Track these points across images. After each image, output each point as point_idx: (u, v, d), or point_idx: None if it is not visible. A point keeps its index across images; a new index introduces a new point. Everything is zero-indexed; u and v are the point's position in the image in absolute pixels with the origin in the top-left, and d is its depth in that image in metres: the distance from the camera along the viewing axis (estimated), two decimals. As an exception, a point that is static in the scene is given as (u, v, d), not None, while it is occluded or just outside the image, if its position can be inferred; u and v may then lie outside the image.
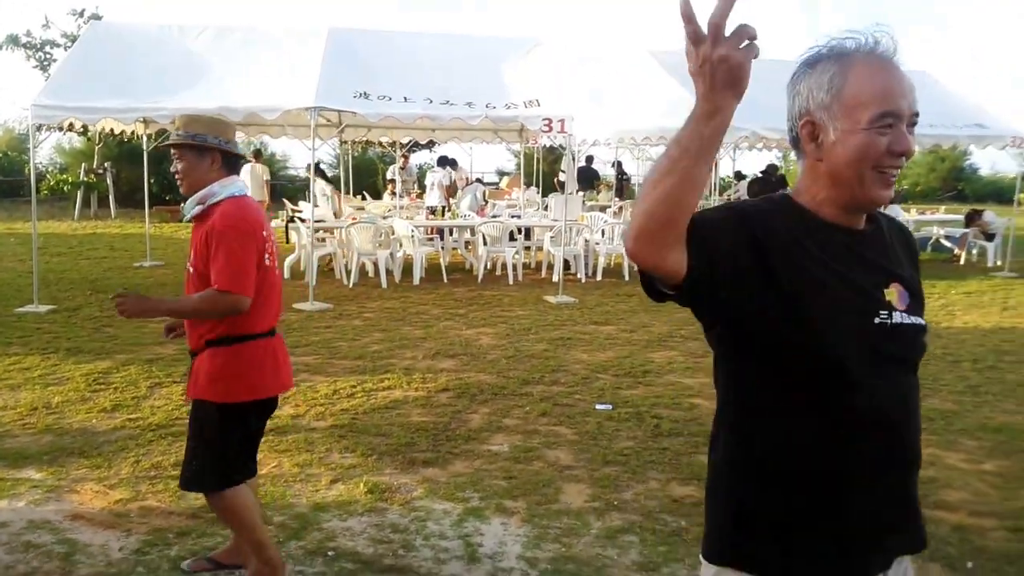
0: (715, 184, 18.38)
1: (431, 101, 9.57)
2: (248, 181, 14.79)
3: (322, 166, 27.74)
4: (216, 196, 2.94)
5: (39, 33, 24.34)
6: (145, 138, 12.82)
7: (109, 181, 21.53)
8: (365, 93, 9.40)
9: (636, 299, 9.84)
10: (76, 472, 4.30)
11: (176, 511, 3.87)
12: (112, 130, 14.41)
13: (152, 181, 24.07)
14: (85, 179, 21.19)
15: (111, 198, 21.54)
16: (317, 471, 4.41)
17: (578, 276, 11.59)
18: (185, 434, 4.72)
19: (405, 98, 9.54)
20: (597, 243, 12.12)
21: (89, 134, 22.25)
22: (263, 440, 4.84)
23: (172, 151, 3.01)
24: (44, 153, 27.52)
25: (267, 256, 3.00)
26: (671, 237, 1.29)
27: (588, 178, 17.75)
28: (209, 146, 2.95)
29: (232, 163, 3.06)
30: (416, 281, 11.04)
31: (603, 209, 15.47)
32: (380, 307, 9.35)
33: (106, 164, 21.66)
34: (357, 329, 8.11)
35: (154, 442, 4.76)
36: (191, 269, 2.99)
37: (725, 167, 19.65)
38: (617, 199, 18.03)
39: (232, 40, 10.63)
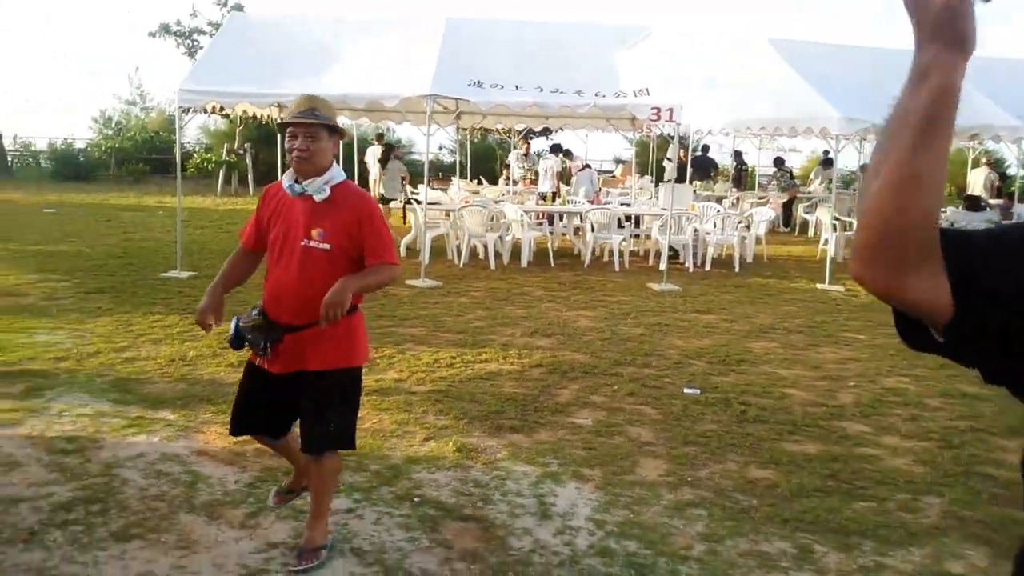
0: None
1: (541, 89, 9.80)
2: (370, 162, 15.52)
3: (442, 152, 28.50)
4: (338, 178, 3.05)
5: (187, 22, 26.26)
6: (279, 121, 13.70)
7: (248, 161, 23.02)
8: (479, 82, 9.74)
9: (743, 291, 9.79)
10: (204, 416, 4.84)
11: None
12: (252, 113, 15.52)
13: (286, 162, 25.70)
14: (227, 158, 22.74)
15: (250, 176, 23.03)
16: (412, 429, 4.78)
17: (685, 265, 11.59)
18: None
19: (516, 86, 9.81)
20: (708, 233, 12.06)
21: (231, 116, 23.91)
22: (367, 398, 5.29)
23: (292, 129, 2.98)
24: (191, 134, 29.65)
25: None
26: (905, 253, 0.96)
27: (704, 167, 17.50)
28: (339, 129, 3.09)
29: (337, 152, 3.16)
30: (523, 264, 11.36)
31: (719, 200, 15.28)
32: (486, 287, 9.72)
33: (246, 145, 23.15)
34: (462, 306, 8.50)
35: (271, 395, 5.27)
36: (325, 246, 2.97)
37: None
38: (735, 189, 17.74)
39: (355, 29, 11.20)
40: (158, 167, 27.17)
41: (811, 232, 16.30)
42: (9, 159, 27.20)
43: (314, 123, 2.98)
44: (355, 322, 3.14)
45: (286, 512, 3.64)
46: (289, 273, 3.02)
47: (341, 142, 3.18)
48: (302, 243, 3.00)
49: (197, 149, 27.37)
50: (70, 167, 25.69)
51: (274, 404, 3.16)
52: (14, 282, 8.80)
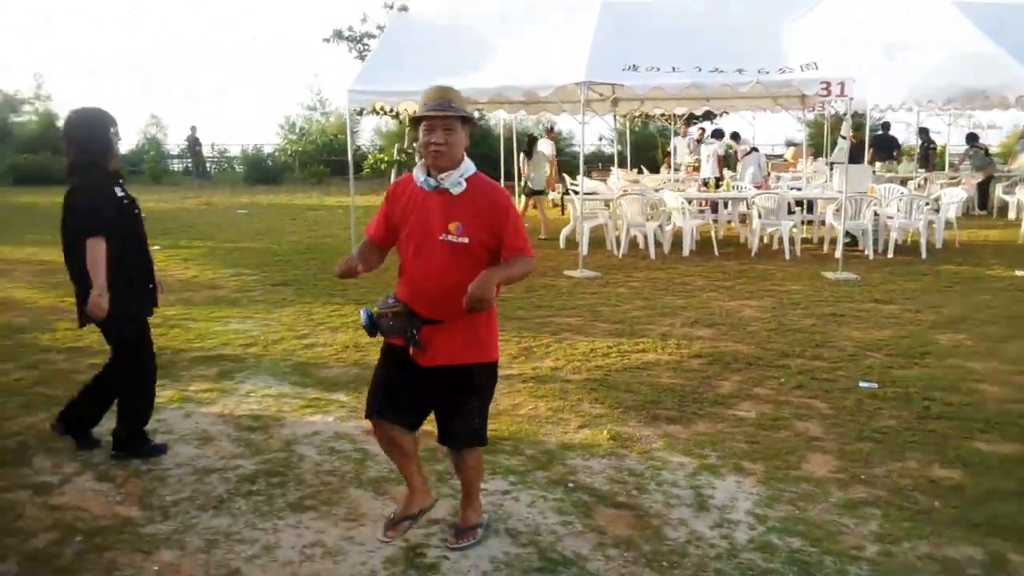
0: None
1: (700, 69, 9.44)
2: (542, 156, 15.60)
3: (602, 142, 28.32)
4: (471, 170, 3.01)
5: (358, 27, 27.69)
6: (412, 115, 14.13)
7: (417, 159, 24.00)
8: (634, 65, 9.54)
9: (930, 279, 9.03)
10: (372, 399, 5.11)
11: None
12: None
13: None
14: (397, 158, 23.85)
15: (417, 175, 24.00)
16: (567, 416, 4.81)
17: (865, 252, 10.85)
18: None
19: (673, 68, 9.51)
20: (890, 217, 11.22)
21: (400, 117, 25.03)
22: (523, 385, 5.37)
23: (428, 122, 2.92)
24: (365, 136, 31.39)
25: None
26: None
27: (885, 147, 16.28)
28: (472, 120, 3.03)
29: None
30: (685, 253, 11.09)
31: (904, 182, 14.16)
32: (646, 277, 9.58)
33: (414, 144, 24.13)
34: (620, 296, 8.43)
35: (434, 381, 5.48)
36: (463, 239, 2.93)
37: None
38: (922, 170, 16.39)
39: (513, 21, 11.27)
40: (337, 168, 28.92)
41: (1011, 215, 14.80)
42: (208, 165, 29.92)
43: (450, 115, 2.92)
44: (492, 316, 3.14)
45: (446, 490, 3.77)
46: (428, 268, 2.99)
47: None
48: (440, 237, 2.95)
49: (371, 150, 28.91)
50: (260, 171, 27.94)
51: (415, 397, 3.14)
52: (211, 276, 9.69)
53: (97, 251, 3.80)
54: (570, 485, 3.85)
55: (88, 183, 3.94)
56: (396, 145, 24.82)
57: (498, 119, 21.44)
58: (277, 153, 29.96)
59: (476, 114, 25.20)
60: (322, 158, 28.40)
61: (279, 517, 3.52)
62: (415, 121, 2.99)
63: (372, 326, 3.07)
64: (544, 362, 5.96)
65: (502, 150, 18.01)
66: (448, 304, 2.95)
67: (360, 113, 27.10)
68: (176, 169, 30.05)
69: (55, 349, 6.31)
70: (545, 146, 15.78)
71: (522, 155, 14.03)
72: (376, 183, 24.93)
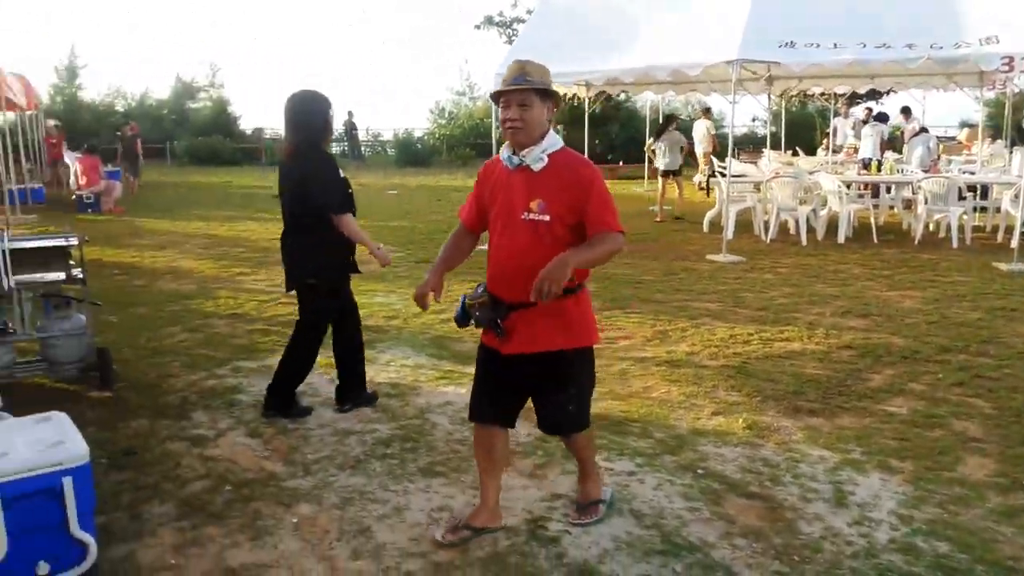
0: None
1: (864, 45, 8.82)
2: (696, 136, 15.25)
3: (755, 123, 27.21)
4: (555, 146, 2.87)
5: (509, 12, 27.94)
6: (586, 100, 14.06)
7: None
8: (791, 42, 9.03)
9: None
10: (504, 374, 5.18)
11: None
12: (564, 95, 16.16)
13: (597, 142, 26.43)
14: (541, 140, 23.95)
15: (561, 157, 24.03)
16: (701, 402, 4.67)
17: (1045, 243, 9.85)
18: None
19: (835, 44, 8.93)
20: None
21: (546, 100, 25.05)
22: (656, 368, 5.27)
23: (504, 98, 2.83)
24: (509, 120, 31.66)
25: None
26: None
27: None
28: (553, 93, 2.87)
29: (552, 117, 2.93)
30: (840, 239, 10.48)
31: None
32: (794, 263, 9.14)
33: (557, 127, 24.16)
34: (766, 282, 8.09)
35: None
36: (544, 217, 2.82)
37: None
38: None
39: (662, -1, 10.97)
40: (482, 151, 29.40)
41: None
42: (363, 148, 31.27)
43: (524, 88, 2.79)
44: (583, 299, 2.98)
45: (571, 467, 3.76)
46: (511, 248, 2.88)
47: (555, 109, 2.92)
48: (522, 216, 2.85)
49: (517, 133, 29.17)
50: (410, 154, 28.93)
51: (505, 388, 3.04)
52: (361, 251, 10.11)
53: (351, 223, 4.21)
54: (699, 471, 3.75)
55: (319, 164, 4.19)
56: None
57: (645, 100, 21.08)
58: (426, 137, 30.87)
59: (623, 95, 25.17)
60: (468, 141, 29.00)
61: (410, 480, 3.64)
62: (495, 98, 2.90)
63: (464, 317, 3.02)
64: (679, 346, 5.82)
65: (647, 132, 17.71)
66: (531, 286, 2.79)
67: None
68: (334, 152, 31.57)
69: (216, 315, 6.82)
70: (701, 126, 15.35)
71: (653, 136, 13.72)
72: (521, 166, 25.17)
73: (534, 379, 3.00)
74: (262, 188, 19.35)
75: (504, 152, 2.93)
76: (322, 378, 5.11)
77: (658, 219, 12.88)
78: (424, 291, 3.09)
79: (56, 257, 4.74)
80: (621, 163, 24.56)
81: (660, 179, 13.13)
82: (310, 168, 4.15)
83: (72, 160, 16.09)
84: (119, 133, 17.15)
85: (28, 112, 18.07)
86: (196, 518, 3.28)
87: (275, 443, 4.08)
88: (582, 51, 10.51)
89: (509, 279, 2.89)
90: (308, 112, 4.20)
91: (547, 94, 2.84)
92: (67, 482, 2.74)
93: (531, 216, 2.84)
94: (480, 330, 3.06)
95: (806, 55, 9.09)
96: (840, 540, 3.16)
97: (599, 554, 3.04)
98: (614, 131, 26.47)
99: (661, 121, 13.65)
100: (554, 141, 2.87)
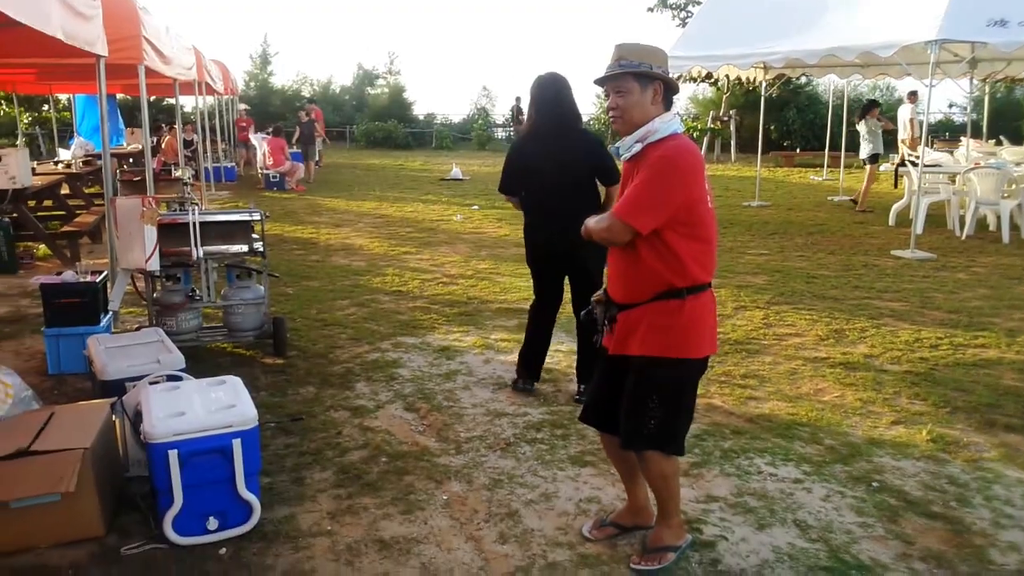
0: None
1: (1098, 20, 7.76)
2: (900, 124, 14.18)
3: (952, 110, 25.00)
4: (658, 133, 2.59)
5: (684, -7, 27.09)
6: (763, 84, 13.36)
7: (732, 128, 23.10)
8: (1002, 20, 8.07)
9: None
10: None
11: (736, 413, 4.23)
12: (739, 78, 15.45)
13: (772, 127, 25.22)
14: (712, 126, 23.14)
15: (732, 143, 23.13)
16: (879, 409, 4.29)
17: None
18: (755, 354, 5.00)
19: (1060, 20, 7.92)
20: None
21: (719, 84, 24.20)
22: (830, 370, 4.90)
23: (608, 88, 2.66)
24: (681, 104, 30.94)
25: (709, 198, 2.65)
26: None
27: None
28: (654, 75, 2.60)
29: (670, 97, 2.67)
30: (1050, 238, 9.37)
31: None
32: (994, 263, 8.24)
33: (731, 112, 23.24)
34: (959, 282, 7.35)
35: (729, 354, 5.20)
36: None
37: None
38: None
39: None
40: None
41: None
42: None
43: (618, 74, 2.59)
44: (693, 306, 2.62)
45: (730, 468, 3.56)
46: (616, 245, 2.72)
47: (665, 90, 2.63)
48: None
49: (685, 118, 28.43)
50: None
51: (608, 391, 2.83)
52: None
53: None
54: (874, 485, 3.43)
55: (592, 137, 4.34)
56: (712, 113, 24.08)
57: (828, 84, 19.82)
58: (591, 121, 30.68)
59: (804, 79, 23.79)
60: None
61: (559, 468, 3.58)
62: (601, 85, 2.70)
63: (588, 315, 2.90)
64: (857, 347, 5.39)
65: (830, 117, 16.62)
66: (632, 287, 2.67)
67: (678, 79, 26.76)
68: (499, 137, 32.09)
69: (382, 291, 7.06)
70: (905, 111, 14.23)
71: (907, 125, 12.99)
72: (688, 152, 24.49)
73: (627, 384, 2.73)
74: (429, 171, 19.99)
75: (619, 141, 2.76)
76: (477, 358, 5.15)
77: (859, 209, 12.14)
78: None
79: (240, 231, 5.05)
80: (798, 150, 23.30)
81: (868, 167, 12.40)
82: (595, 142, 4.28)
83: (259, 142, 17.28)
84: (298, 117, 18.21)
85: (225, 97, 19.62)
86: (353, 486, 3.37)
87: (430, 419, 4.15)
88: (760, 31, 9.98)
89: (615, 279, 2.76)
90: (567, 92, 4.27)
91: (650, 77, 2.60)
92: (236, 443, 2.89)
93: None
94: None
95: (1019, 34, 8.12)
96: (1042, 578, 2.77)
97: (757, 564, 2.83)
98: (791, 116, 25.11)
99: (861, 108, 12.82)
100: (658, 128, 2.59)
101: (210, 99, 18.87)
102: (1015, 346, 5.36)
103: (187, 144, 15.38)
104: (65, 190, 10.83)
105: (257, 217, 5.06)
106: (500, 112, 34.16)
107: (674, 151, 2.57)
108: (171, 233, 4.85)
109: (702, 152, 23.36)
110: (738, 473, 3.52)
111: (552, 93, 4.25)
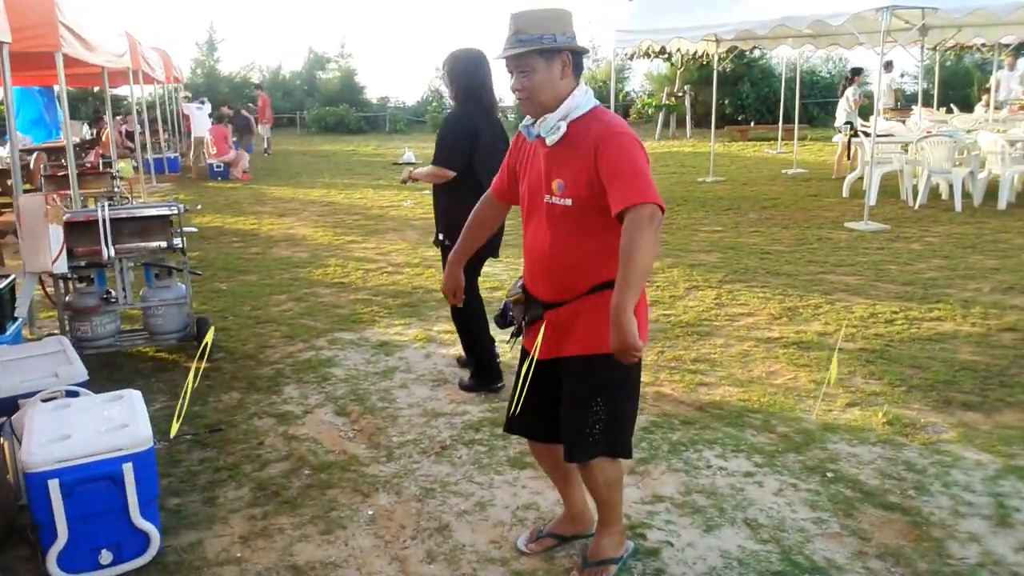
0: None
1: (1041, -19, 7.67)
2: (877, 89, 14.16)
3: (904, 79, 25.15)
4: (580, 108, 2.31)
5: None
6: (716, 57, 13.17)
7: (687, 103, 22.98)
8: (952, -18, 7.99)
9: None
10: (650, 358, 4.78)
11: (686, 401, 4.03)
12: (693, 53, 15.22)
13: (726, 102, 25.14)
14: (666, 102, 22.99)
15: (687, 118, 23.01)
16: (834, 391, 4.12)
17: None
18: (706, 337, 4.79)
19: (1003, -20, 7.82)
20: None
21: (672, 58, 24.03)
22: (783, 351, 4.73)
23: (509, 65, 2.35)
24: (636, 80, 30.87)
25: None
26: None
27: None
28: (559, 48, 2.29)
29: (580, 63, 2.36)
30: (1001, 206, 9.34)
31: None
32: (947, 232, 8.17)
33: (685, 87, 23.10)
34: (913, 253, 7.25)
35: (680, 338, 5.01)
36: (566, 201, 2.31)
37: None
38: None
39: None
40: (605, 115, 28.74)
41: None
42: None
43: (522, 52, 2.27)
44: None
45: (679, 463, 3.35)
46: (537, 237, 2.40)
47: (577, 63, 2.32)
48: (545, 199, 2.37)
49: (640, 95, 28.25)
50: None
51: (539, 399, 2.52)
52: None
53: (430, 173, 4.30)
54: (828, 475, 3.24)
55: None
56: (666, 89, 23.93)
57: (780, 57, 19.74)
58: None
59: (757, 52, 23.73)
60: (591, 105, 28.25)
61: (497, 472, 3.34)
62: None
63: (502, 315, 2.59)
64: (811, 325, 5.22)
65: (783, 90, 16.53)
66: (564, 282, 2.37)
67: (631, 57, 26.54)
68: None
69: (323, 284, 6.75)
70: (885, 79, 14.18)
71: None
72: (641, 128, 24.38)
73: (565, 390, 2.47)
74: (381, 156, 19.56)
75: (524, 121, 2.44)
76: (418, 352, 4.89)
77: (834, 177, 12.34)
78: (450, 287, 2.78)
79: (157, 227, 4.70)
80: (752, 124, 23.26)
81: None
82: None
83: (204, 131, 16.72)
84: (226, 108, 17.47)
85: (169, 85, 18.94)
86: (269, 505, 3.10)
87: (362, 423, 3.87)
88: (710, 3, 9.78)
89: (540, 274, 2.44)
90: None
91: (555, 51, 2.28)
92: (127, 468, 2.59)
93: (553, 200, 2.34)
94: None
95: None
96: (1003, 569, 2.61)
97: (704, 573, 2.62)
98: (745, 90, 25.05)
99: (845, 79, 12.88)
100: (578, 104, 2.30)
101: (154, 88, 18.22)
102: (970, 318, 5.24)
103: (129, 136, 14.77)
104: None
105: (175, 211, 4.71)
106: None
107: (620, 125, 2.30)
108: (82, 232, 4.50)
109: (657, 129, 23.27)
110: (686, 468, 3.31)
111: (488, 68, 4.04)
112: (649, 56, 23.22)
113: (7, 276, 4.70)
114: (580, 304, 2.37)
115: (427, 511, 3.03)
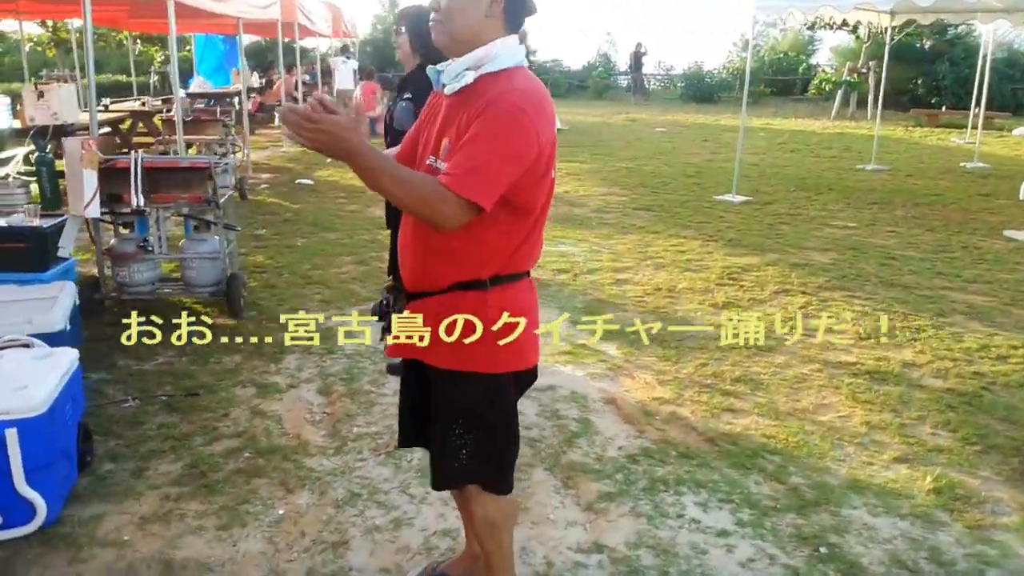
0: None
1: None
2: None
3: None
4: (497, 61, 1.84)
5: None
6: (888, 31, 11.72)
7: (871, 81, 20.88)
8: None
9: None
10: (645, 358, 4.26)
11: (698, 428, 3.48)
12: (883, 28, 13.65)
13: (919, 82, 22.63)
14: (847, 78, 20.99)
15: (869, 98, 20.92)
16: (885, 439, 3.41)
17: None
18: (766, 352, 4.18)
19: None
20: None
21: (858, 32, 21.90)
22: (849, 380, 4.02)
23: None
24: (822, 54, 28.64)
25: (554, 169, 1.91)
26: None
27: None
28: None
29: (520, 17, 1.89)
30: None
31: None
32: None
33: (870, 63, 20.98)
34: (1075, 275, 6.04)
35: (733, 350, 4.38)
36: (443, 166, 1.84)
37: None
38: None
39: None
40: (781, 88, 26.84)
41: None
42: (648, 83, 29.98)
43: None
44: (500, 303, 1.92)
45: (646, 507, 2.86)
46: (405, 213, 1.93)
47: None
48: (427, 161, 1.92)
49: (825, 70, 26.11)
50: (697, 89, 27.15)
51: (421, 404, 2.12)
52: (582, 193, 9.43)
53: None
54: (822, 550, 2.63)
55: None
56: (848, 64, 21.86)
57: (989, 33, 17.35)
58: (719, 71, 28.79)
59: (961, 28, 21.10)
60: (765, 77, 26.45)
61: (442, 484, 2.99)
62: None
63: (377, 305, 2.14)
64: (900, 353, 4.41)
65: (978, 71, 14.53)
66: (425, 270, 1.96)
67: (812, 28, 24.48)
68: (621, 85, 30.68)
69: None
70: None
71: None
72: (820, 106, 22.59)
73: (433, 403, 2.06)
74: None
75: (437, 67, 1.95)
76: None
77: None
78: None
79: (197, 179, 4.68)
80: (944, 108, 20.80)
81: None
82: None
83: (346, 85, 17.12)
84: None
85: (334, 40, 19.57)
86: (189, 486, 2.93)
87: (336, 406, 3.64)
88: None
89: (405, 257, 2.02)
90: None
91: None
92: (11, 434, 2.49)
93: (438, 163, 1.87)
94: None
95: None
96: None
97: (601, 653, 2.17)
98: (942, 70, 22.40)
99: None
100: (496, 55, 1.83)
101: (330, 42, 19.02)
102: (1113, 366, 4.23)
103: (304, 85, 15.48)
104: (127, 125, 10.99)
105: (213, 165, 4.66)
106: (624, 60, 32.71)
107: (523, 94, 1.81)
108: (122, 179, 4.54)
109: (834, 107, 21.43)
110: (652, 514, 2.81)
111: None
112: (831, 27, 21.31)
113: (60, 216, 4.86)
114: (442, 301, 1.94)
115: (338, 520, 2.75)
